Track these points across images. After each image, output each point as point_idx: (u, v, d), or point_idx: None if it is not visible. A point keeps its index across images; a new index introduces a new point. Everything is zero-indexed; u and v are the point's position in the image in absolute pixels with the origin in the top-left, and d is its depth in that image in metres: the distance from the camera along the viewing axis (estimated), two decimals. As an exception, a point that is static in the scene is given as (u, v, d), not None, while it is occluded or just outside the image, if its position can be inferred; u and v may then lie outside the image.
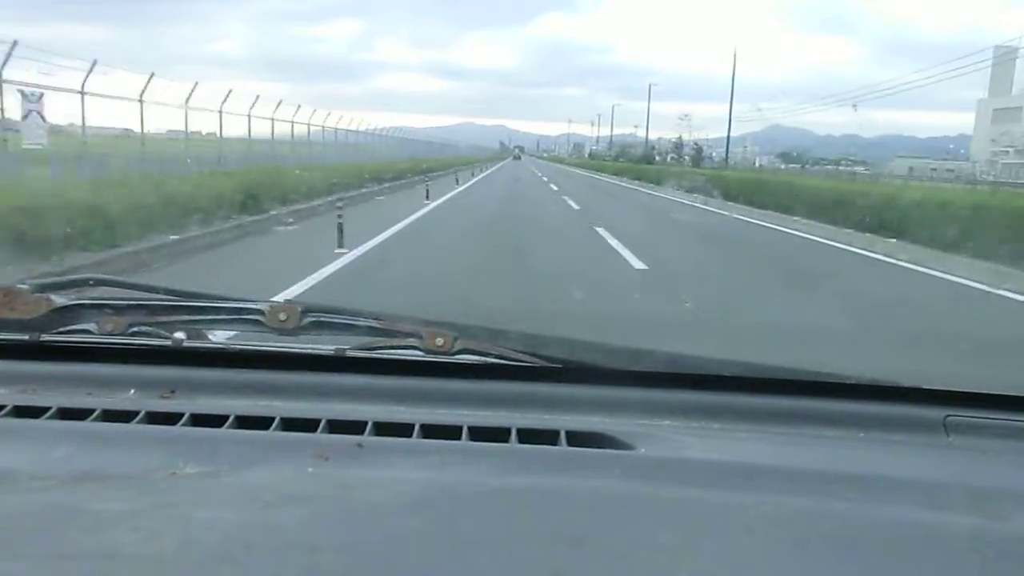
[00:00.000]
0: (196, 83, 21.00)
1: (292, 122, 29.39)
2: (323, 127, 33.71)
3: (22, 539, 0.66)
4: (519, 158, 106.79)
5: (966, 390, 1.04)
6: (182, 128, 22.30)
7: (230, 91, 23.23)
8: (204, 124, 23.40)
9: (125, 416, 0.94)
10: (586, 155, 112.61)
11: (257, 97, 25.30)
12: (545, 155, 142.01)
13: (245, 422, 0.93)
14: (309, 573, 0.63)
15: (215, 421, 0.93)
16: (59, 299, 1.10)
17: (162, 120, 22.45)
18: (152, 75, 18.74)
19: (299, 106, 29.43)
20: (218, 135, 23.79)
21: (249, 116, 24.97)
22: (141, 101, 18.91)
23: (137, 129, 19.45)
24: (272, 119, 27.21)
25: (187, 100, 21.14)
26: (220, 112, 23.03)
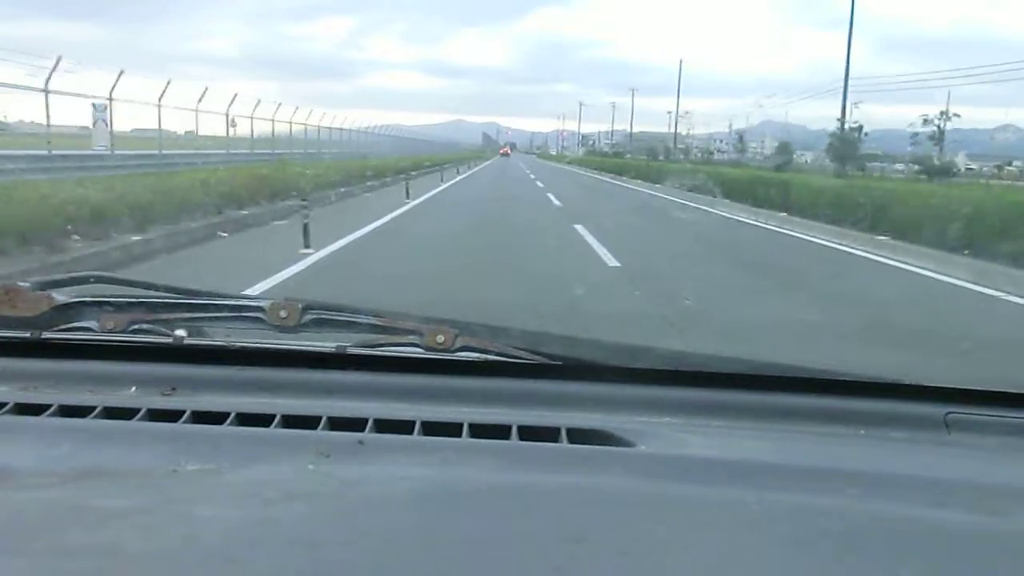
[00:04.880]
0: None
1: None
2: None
3: (24, 536, 0.66)
4: (508, 156, 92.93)
5: (967, 387, 1.04)
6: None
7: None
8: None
9: (126, 413, 0.94)
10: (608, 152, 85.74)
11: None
12: (555, 153, 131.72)
13: (246, 419, 0.93)
14: (310, 569, 0.63)
15: (216, 418, 0.93)
16: (60, 296, 1.10)
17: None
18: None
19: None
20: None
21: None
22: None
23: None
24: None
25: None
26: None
